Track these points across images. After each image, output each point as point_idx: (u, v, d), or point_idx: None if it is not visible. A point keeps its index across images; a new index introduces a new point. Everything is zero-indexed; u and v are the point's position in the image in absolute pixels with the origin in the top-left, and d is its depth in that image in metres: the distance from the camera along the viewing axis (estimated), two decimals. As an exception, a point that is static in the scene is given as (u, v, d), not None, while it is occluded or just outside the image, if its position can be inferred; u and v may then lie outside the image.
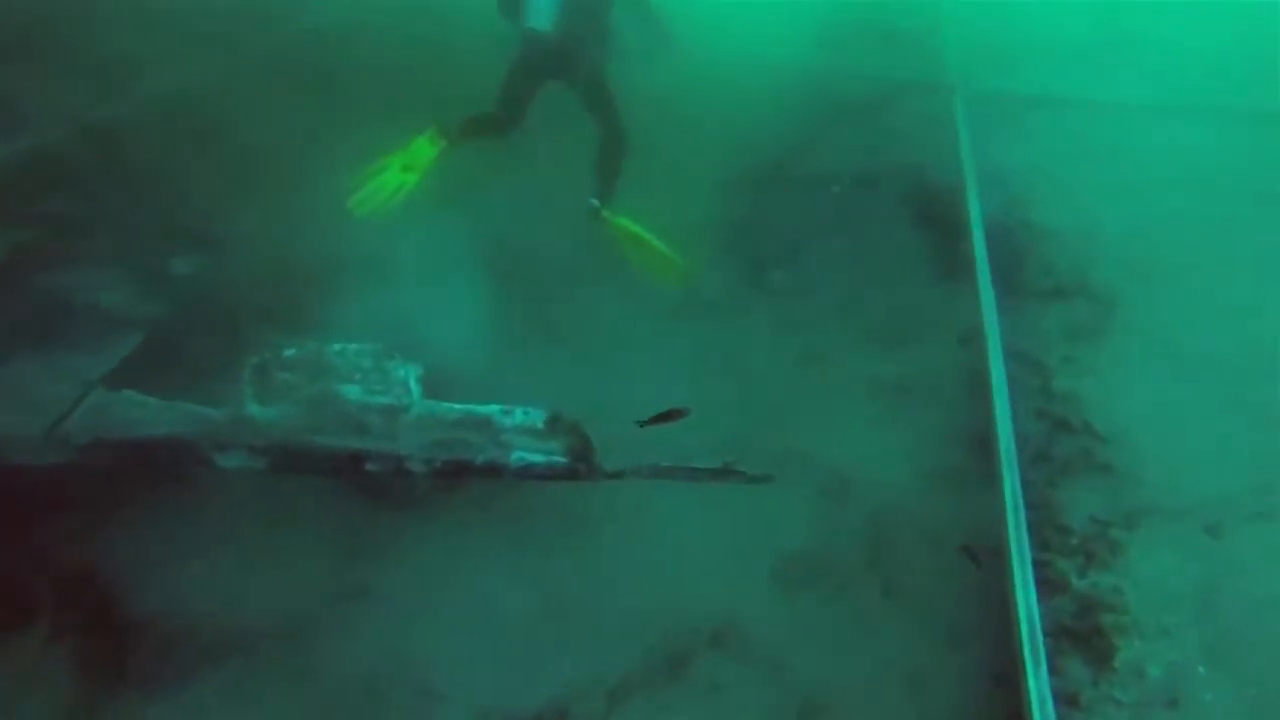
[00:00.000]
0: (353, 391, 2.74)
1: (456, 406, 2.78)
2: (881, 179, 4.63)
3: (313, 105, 4.91)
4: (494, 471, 2.75)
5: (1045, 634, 2.30)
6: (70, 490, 2.87)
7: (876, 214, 4.49)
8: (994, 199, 4.13)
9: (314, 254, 3.86)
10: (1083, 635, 2.46)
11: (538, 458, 2.75)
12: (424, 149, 3.98)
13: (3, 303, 3.16)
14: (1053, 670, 2.25)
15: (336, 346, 2.77)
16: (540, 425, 2.78)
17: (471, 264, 3.81)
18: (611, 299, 4.05)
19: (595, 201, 4.17)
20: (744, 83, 5.20)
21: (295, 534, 2.89)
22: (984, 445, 3.11)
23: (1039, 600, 2.37)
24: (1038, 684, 2.19)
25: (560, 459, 2.76)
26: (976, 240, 3.80)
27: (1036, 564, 2.53)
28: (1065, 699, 2.28)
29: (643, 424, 2.76)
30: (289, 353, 2.72)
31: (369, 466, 2.72)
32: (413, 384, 2.77)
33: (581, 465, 2.75)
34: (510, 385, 3.48)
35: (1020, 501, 2.65)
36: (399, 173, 3.96)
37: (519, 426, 2.79)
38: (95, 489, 2.88)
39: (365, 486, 2.94)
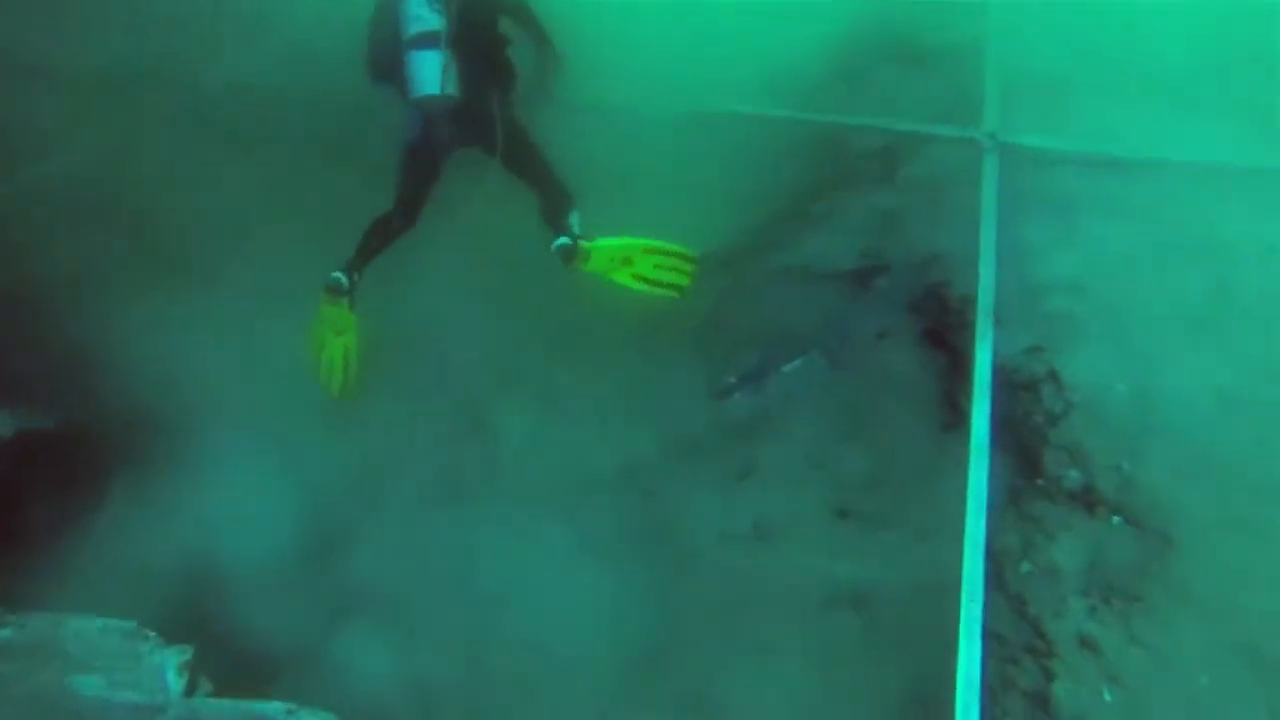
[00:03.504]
0: (91, 685, 2.15)
1: (227, 704, 2.16)
2: (882, 274, 3.61)
3: (223, 177, 4.27)
4: (271, 789, 2.15)
5: None
6: None
7: (871, 323, 3.50)
8: (1018, 331, 3.08)
9: (161, 419, 3.25)
10: None
11: (324, 777, 2.13)
12: (334, 312, 3.40)
13: None
14: None
15: (74, 624, 2.17)
16: (329, 734, 2.14)
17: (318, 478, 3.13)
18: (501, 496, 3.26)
19: (565, 240, 3.45)
20: (721, 126, 4.19)
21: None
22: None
23: None
24: None
25: (354, 780, 2.13)
26: (977, 405, 2.82)
27: None
28: None
29: None
30: (4, 634, 2.15)
31: (119, 774, 2.17)
32: (171, 676, 2.15)
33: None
34: (342, 641, 2.88)
35: None
36: (335, 339, 3.43)
37: (303, 733, 2.16)
38: None
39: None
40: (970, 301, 3.27)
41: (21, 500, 2.95)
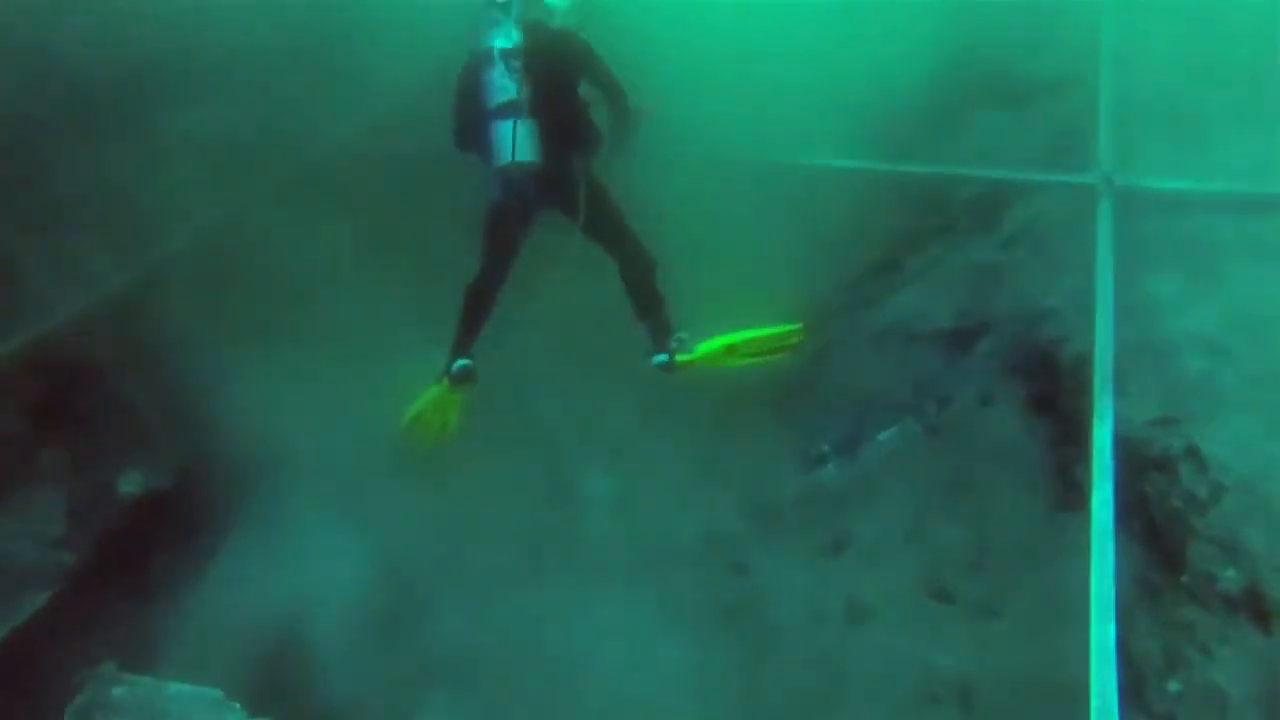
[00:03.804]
0: (188, 748, 2.25)
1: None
2: (984, 334, 3.36)
3: (341, 239, 4.53)
4: None
5: None
6: None
7: (972, 388, 3.25)
8: (1146, 398, 2.76)
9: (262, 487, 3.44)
10: None
11: None
12: (449, 396, 3.57)
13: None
14: None
15: (172, 688, 2.28)
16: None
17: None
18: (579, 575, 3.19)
19: (663, 356, 3.53)
20: (807, 177, 4.06)
21: None
22: None
23: None
24: None
25: None
26: (1097, 483, 2.52)
27: None
28: None
29: None
30: (118, 691, 2.28)
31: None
32: (252, 746, 2.22)
33: None
34: (421, 709, 2.85)
35: None
36: (435, 415, 3.58)
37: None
38: None
39: None
40: (1086, 363, 2.96)
41: (141, 558, 3.19)
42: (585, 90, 3.48)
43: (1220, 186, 3.27)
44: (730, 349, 3.51)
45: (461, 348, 3.51)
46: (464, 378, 3.49)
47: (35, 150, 4.46)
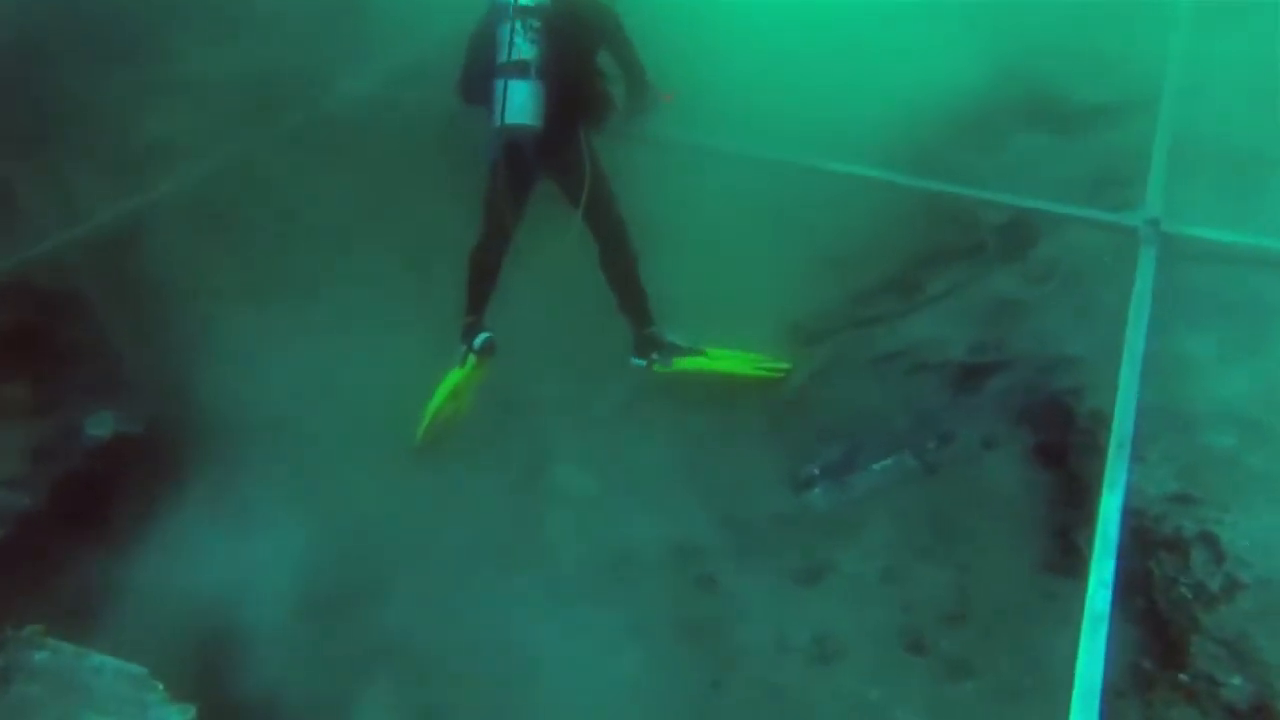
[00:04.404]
0: (101, 725, 2.17)
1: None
2: (997, 372, 3.15)
3: (347, 192, 4.35)
4: None
5: None
6: None
7: (977, 428, 3.06)
8: (1162, 469, 2.56)
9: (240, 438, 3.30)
10: None
11: None
12: (474, 374, 3.50)
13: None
14: None
15: (95, 660, 2.19)
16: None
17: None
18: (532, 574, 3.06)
19: (640, 362, 3.54)
20: (824, 180, 3.85)
21: None
22: None
23: None
24: None
25: None
26: (1097, 563, 2.34)
27: None
28: None
29: None
30: (39, 657, 2.19)
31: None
32: (173, 732, 2.12)
33: None
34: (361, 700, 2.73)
35: None
36: (451, 401, 3.50)
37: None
38: None
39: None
40: (1103, 420, 2.77)
41: (100, 507, 3.10)
42: (604, 62, 3.31)
43: (1277, 244, 3.02)
44: (713, 369, 3.50)
45: (474, 320, 3.42)
46: (488, 351, 3.41)
47: (43, 74, 4.34)
